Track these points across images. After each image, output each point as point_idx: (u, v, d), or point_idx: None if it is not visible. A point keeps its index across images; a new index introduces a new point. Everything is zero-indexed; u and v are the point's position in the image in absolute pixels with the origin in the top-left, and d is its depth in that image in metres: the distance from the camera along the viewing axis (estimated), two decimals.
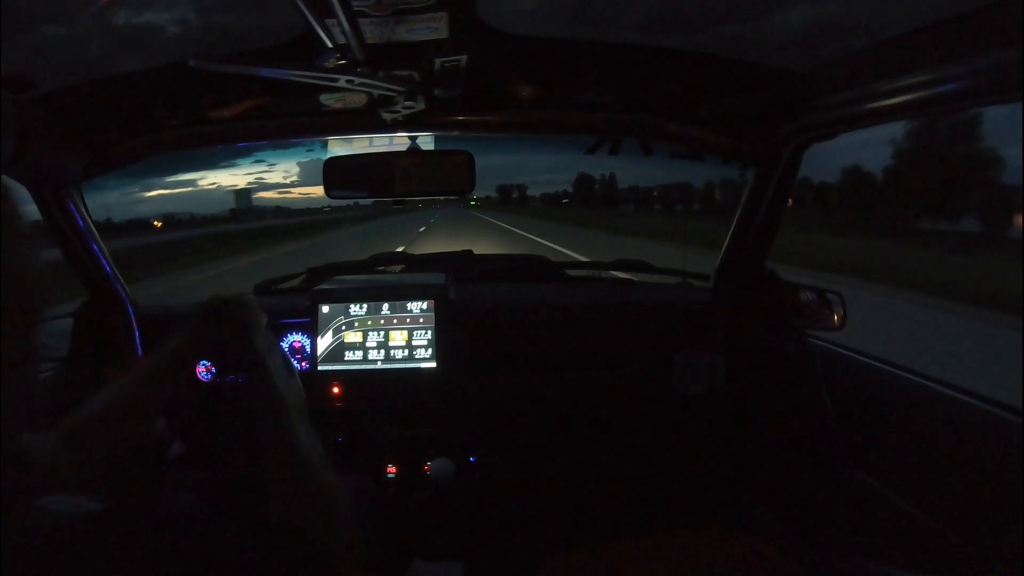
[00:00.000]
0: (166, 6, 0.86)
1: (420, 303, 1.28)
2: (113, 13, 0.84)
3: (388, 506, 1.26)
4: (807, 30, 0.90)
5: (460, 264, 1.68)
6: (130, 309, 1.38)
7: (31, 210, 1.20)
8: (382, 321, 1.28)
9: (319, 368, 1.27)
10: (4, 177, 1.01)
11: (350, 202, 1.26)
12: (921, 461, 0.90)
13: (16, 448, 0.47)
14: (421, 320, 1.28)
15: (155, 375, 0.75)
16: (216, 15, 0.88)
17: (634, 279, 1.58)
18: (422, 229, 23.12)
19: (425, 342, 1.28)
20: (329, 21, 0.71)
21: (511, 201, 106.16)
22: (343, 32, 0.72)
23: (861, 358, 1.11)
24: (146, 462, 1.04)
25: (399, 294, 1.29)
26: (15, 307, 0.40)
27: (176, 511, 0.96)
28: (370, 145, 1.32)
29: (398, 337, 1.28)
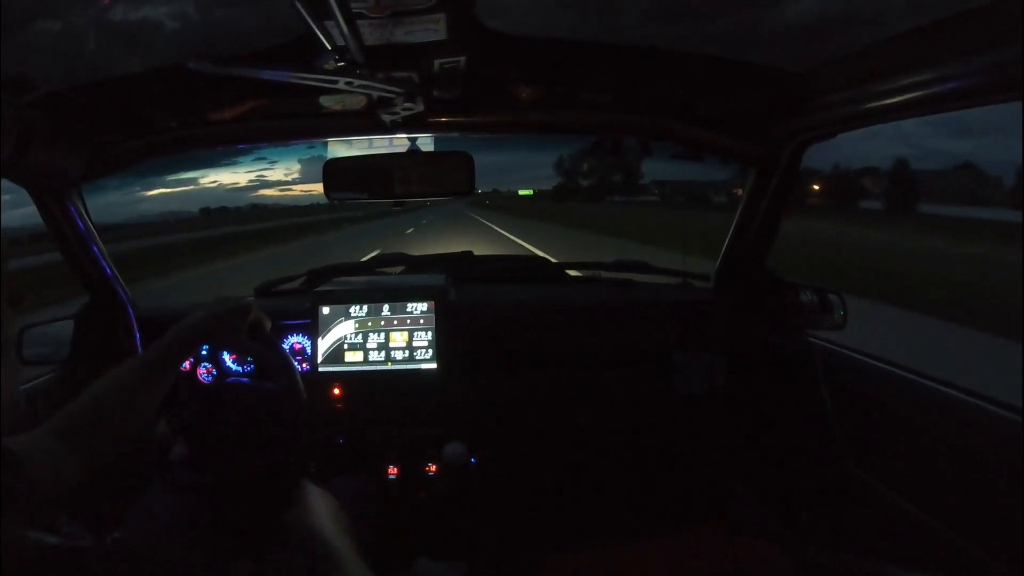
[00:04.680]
0: (167, 8, 0.86)
1: (420, 304, 1.28)
2: (114, 16, 0.84)
3: (389, 507, 1.26)
4: (807, 30, 0.90)
5: (460, 265, 1.68)
6: (130, 311, 1.39)
7: (31, 211, 1.20)
8: (382, 322, 1.28)
9: (320, 369, 1.27)
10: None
11: (332, 203, 1.26)
12: (921, 460, 0.90)
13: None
14: (421, 321, 1.28)
15: (147, 367, 0.75)
16: (215, 17, 0.88)
17: (634, 279, 1.58)
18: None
19: (425, 343, 1.28)
20: (328, 23, 0.71)
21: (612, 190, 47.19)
22: (342, 34, 0.72)
23: (861, 358, 1.11)
24: (148, 464, 1.04)
25: (399, 295, 1.29)
26: None
27: (170, 514, 0.97)
28: (369, 147, 1.32)
29: (399, 338, 1.28)
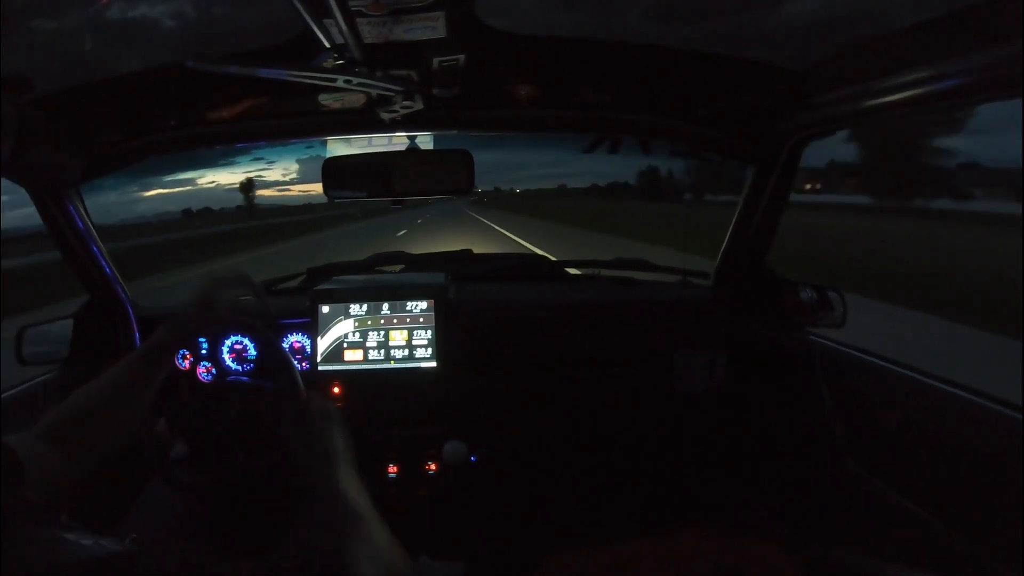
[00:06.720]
0: (165, 7, 0.85)
1: (420, 303, 1.28)
2: (112, 15, 0.84)
3: (389, 506, 1.26)
4: (806, 28, 0.90)
5: (460, 263, 1.68)
6: (130, 310, 1.39)
7: (31, 211, 1.20)
8: (382, 321, 1.28)
9: (319, 368, 1.27)
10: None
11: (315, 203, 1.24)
12: (921, 458, 0.90)
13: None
14: (421, 320, 1.28)
15: (136, 365, 0.76)
16: (213, 16, 0.88)
17: (634, 278, 1.58)
18: None
19: (425, 342, 1.28)
20: (327, 21, 0.71)
21: None
22: (341, 32, 0.72)
23: (861, 356, 1.11)
24: (148, 463, 1.04)
25: (399, 294, 1.29)
26: None
27: (170, 512, 0.97)
28: (369, 145, 1.32)
29: (398, 337, 1.28)
